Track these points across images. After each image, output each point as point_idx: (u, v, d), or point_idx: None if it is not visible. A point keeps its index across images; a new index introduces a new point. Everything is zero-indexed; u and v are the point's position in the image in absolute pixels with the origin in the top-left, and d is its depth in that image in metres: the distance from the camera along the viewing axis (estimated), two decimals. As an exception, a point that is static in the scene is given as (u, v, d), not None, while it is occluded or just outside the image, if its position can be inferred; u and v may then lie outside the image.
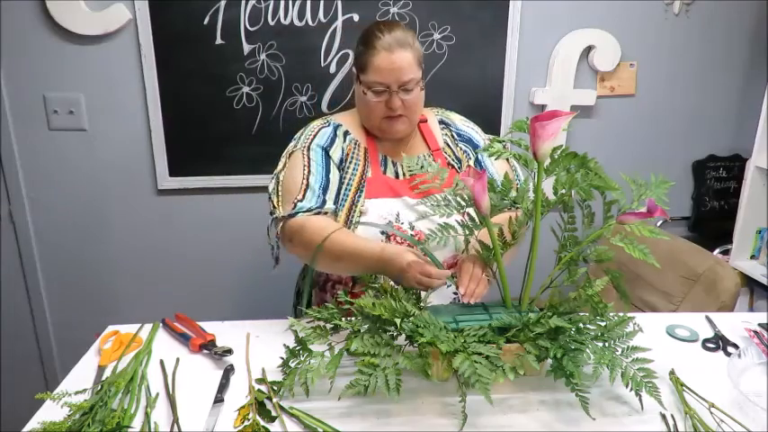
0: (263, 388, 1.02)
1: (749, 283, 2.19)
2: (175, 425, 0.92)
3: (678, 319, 1.30)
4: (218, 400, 0.99)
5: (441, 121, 1.44)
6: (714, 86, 2.25)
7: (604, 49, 2.09)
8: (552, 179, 1.08)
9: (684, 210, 2.39)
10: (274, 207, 1.28)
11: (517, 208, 1.36)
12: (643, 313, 1.62)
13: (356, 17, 1.95)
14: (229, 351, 1.11)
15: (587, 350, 0.97)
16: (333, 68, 1.99)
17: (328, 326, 1.03)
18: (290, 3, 1.91)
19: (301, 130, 1.37)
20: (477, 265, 1.23)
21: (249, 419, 0.93)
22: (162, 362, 1.10)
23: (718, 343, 1.20)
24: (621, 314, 1.04)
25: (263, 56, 1.95)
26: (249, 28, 1.92)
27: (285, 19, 1.93)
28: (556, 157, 1.05)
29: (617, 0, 2.08)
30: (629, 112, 2.22)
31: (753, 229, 2.18)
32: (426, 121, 1.42)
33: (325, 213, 1.24)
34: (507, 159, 1.45)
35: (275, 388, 1.01)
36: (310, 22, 1.94)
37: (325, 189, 1.27)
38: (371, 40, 1.26)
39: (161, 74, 1.93)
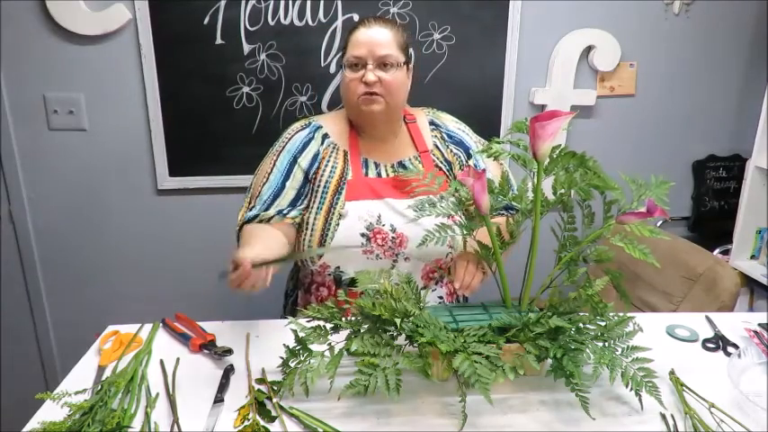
0: (263, 388, 1.02)
1: (749, 283, 2.19)
2: (175, 425, 0.92)
3: (678, 319, 1.30)
4: (218, 400, 0.99)
5: (431, 122, 1.43)
6: (714, 86, 2.25)
7: (604, 49, 2.09)
8: (551, 179, 1.08)
9: (684, 210, 2.39)
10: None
11: (511, 214, 1.37)
12: (643, 313, 1.62)
13: (356, 17, 1.95)
14: (229, 351, 1.11)
15: (587, 350, 0.97)
16: (333, 68, 1.99)
17: (328, 326, 1.03)
18: (290, 3, 1.91)
19: (284, 132, 1.38)
20: (471, 260, 1.23)
21: (249, 419, 0.93)
22: (162, 362, 1.10)
23: (718, 343, 1.20)
24: (621, 314, 1.04)
25: (263, 56, 1.95)
26: (249, 28, 1.92)
27: (285, 19, 1.93)
28: (555, 156, 1.05)
29: (617, 0, 2.08)
30: (629, 112, 2.22)
31: (753, 229, 2.18)
32: (415, 120, 1.41)
33: (268, 220, 1.29)
34: (501, 164, 1.45)
35: (275, 388, 1.01)
36: (310, 22, 1.94)
37: (276, 195, 1.31)
38: (355, 25, 1.31)
39: (161, 74, 1.93)
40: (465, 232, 1.13)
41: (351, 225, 1.29)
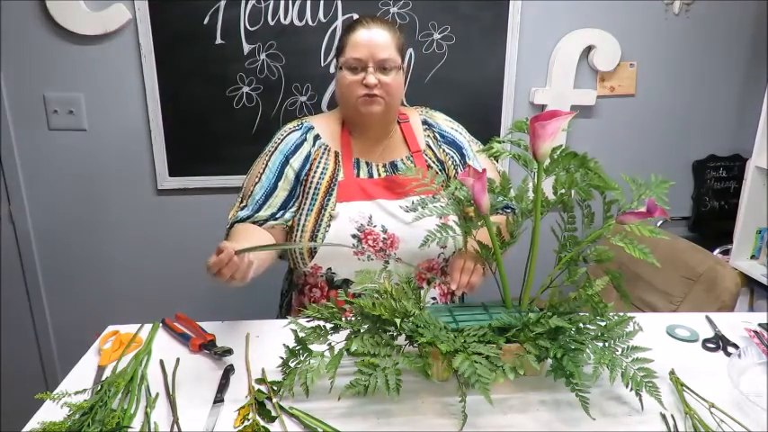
0: (263, 388, 1.01)
1: (749, 283, 2.19)
2: (175, 425, 0.92)
3: (678, 319, 1.30)
4: (218, 400, 0.99)
5: (424, 122, 1.43)
6: (714, 86, 2.25)
7: (604, 49, 2.09)
8: (552, 179, 1.08)
9: (684, 210, 2.39)
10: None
11: (507, 213, 1.37)
12: (643, 313, 1.62)
13: (356, 17, 1.94)
14: (229, 351, 1.11)
15: (587, 350, 0.97)
16: (332, 68, 1.99)
17: (328, 326, 1.02)
18: (290, 3, 1.91)
19: (277, 133, 1.39)
20: (467, 259, 1.23)
21: (249, 419, 0.93)
22: (162, 362, 1.10)
23: (719, 343, 1.20)
24: (621, 314, 1.04)
25: (263, 56, 1.95)
26: (249, 28, 1.92)
27: (285, 19, 1.93)
28: (555, 156, 1.05)
29: (617, 0, 2.08)
30: (629, 112, 2.22)
31: (753, 229, 2.18)
32: (408, 120, 1.41)
33: (262, 223, 1.30)
34: (494, 163, 1.45)
35: (275, 388, 1.01)
36: (310, 22, 1.94)
37: (268, 196, 1.31)
38: (352, 25, 1.30)
39: (161, 74, 1.93)
40: (464, 232, 1.13)
41: (342, 226, 1.29)
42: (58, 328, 2.17)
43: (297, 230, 1.32)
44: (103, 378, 1.02)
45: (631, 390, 0.94)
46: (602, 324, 1.02)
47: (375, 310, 0.98)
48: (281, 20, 1.93)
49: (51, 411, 0.93)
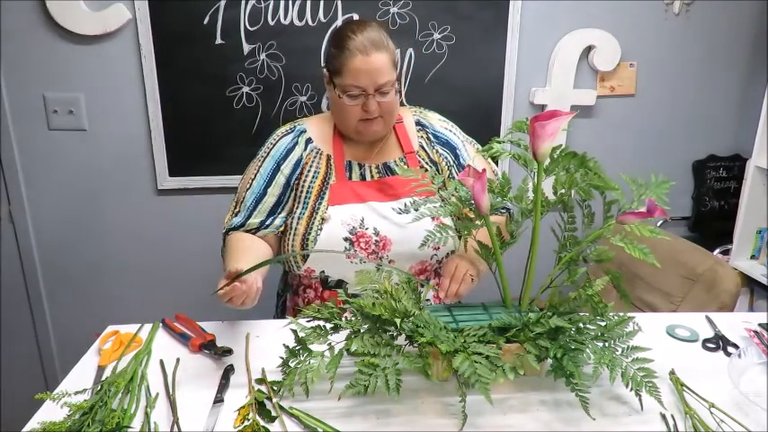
0: (263, 388, 1.01)
1: (749, 283, 2.19)
2: (175, 425, 0.92)
3: (678, 319, 1.30)
4: (218, 400, 0.99)
5: (417, 122, 1.42)
6: (714, 86, 2.25)
7: (604, 49, 2.09)
8: (552, 179, 1.08)
9: (684, 210, 2.39)
10: None
11: (502, 213, 1.37)
12: (643, 313, 1.62)
13: (356, 17, 1.95)
14: (229, 351, 1.11)
15: (587, 350, 0.97)
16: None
17: (328, 326, 1.02)
18: (290, 3, 1.91)
19: (269, 137, 1.39)
20: (459, 265, 1.23)
21: (249, 419, 0.93)
22: (162, 362, 1.10)
23: (719, 343, 1.20)
24: (621, 314, 1.04)
25: (263, 56, 1.95)
26: (249, 28, 1.92)
27: (285, 19, 1.93)
28: (555, 156, 1.05)
29: (617, 0, 2.08)
30: (629, 112, 2.22)
31: (753, 229, 2.18)
32: (402, 121, 1.40)
33: (254, 231, 1.31)
34: (489, 162, 1.45)
35: (275, 388, 1.01)
36: (310, 22, 1.94)
37: (258, 201, 1.32)
38: (344, 41, 1.24)
39: (161, 74, 1.93)
40: (462, 233, 1.13)
41: (334, 229, 1.29)
42: (57, 327, 2.17)
43: (289, 233, 1.33)
44: (103, 378, 1.02)
45: (631, 390, 0.94)
46: (602, 324, 1.02)
47: (375, 309, 0.98)
48: (281, 20, 1.93)
49: (51, 411, 0.93)
